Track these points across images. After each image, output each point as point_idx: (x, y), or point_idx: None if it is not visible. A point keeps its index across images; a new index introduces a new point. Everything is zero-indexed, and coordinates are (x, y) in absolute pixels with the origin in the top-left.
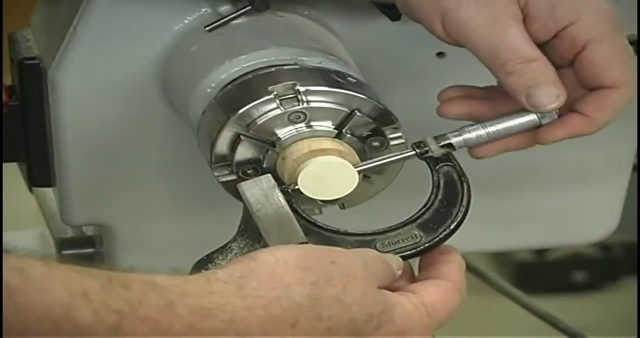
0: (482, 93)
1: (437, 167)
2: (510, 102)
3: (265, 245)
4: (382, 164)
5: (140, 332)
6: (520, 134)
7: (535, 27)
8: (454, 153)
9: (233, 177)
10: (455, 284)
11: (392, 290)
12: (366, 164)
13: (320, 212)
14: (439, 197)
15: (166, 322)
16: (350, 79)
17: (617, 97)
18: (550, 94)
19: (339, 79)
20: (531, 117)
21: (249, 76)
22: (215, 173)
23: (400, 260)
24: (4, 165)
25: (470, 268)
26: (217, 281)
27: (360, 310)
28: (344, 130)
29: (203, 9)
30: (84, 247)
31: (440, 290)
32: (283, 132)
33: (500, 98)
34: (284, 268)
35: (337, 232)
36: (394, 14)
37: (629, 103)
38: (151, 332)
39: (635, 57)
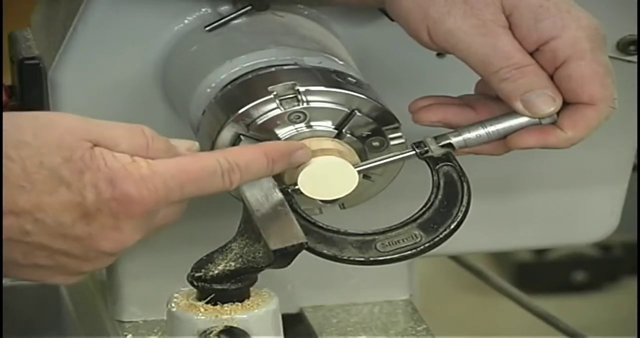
0: (457, 100)
1: (437, 167)
2: (488, 108)
3: (266, 245)
4: (382, 163)
5: None
6: (493, 141)
7: (517, 37)
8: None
9: None
10: (209, 154)
11: None
12: (366, 164)
13: (321, 212)
14: (439, 197)
15: None
16: (350, 78)
17: (593, 114)
18: (546, 98)
19: (338, 79)
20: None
21: (249, 76)
22: None
23: (188, 143)
24: None
25: (470, 268)
26: None
27: (51, 152)
28: (344, 130)
29: (203, 9)
30: None
31: (183, 157)
32: (283, 132)
33: (477, 105)
34: None
35: (337, 232)
36: None
37: (605, 120)
38: None
39: (614, 74)
